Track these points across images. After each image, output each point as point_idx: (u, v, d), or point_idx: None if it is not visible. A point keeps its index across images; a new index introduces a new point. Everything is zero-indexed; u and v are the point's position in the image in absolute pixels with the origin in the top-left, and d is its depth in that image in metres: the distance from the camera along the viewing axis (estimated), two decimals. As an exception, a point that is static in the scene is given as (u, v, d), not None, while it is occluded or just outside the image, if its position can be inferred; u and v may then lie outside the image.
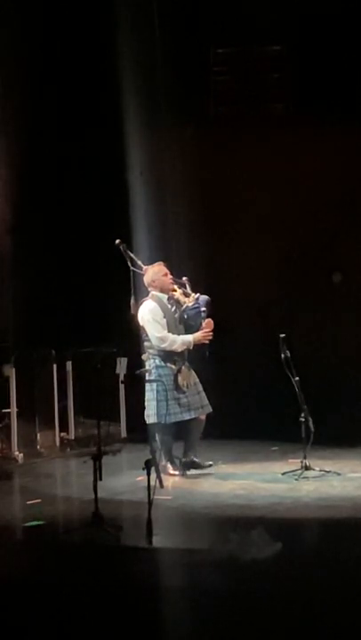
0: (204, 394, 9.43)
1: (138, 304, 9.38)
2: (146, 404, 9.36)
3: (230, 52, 12.31)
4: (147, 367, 9.38)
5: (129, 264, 9.45)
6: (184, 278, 9.61)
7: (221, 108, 12.36)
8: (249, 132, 12.01)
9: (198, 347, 9.42)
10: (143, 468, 7.26)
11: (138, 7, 11.54)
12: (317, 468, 9.21)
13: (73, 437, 11.14)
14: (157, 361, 9.35)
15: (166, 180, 11.78)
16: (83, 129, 11.73)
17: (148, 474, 7.22)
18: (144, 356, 9.44)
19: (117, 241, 9.47)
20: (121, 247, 9.49)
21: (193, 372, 9.44)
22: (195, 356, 9.47)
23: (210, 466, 9.48)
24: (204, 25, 11.89)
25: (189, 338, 9.37)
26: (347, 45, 11.60)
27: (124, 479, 9.19)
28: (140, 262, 9.53)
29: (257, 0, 11.60)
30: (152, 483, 7.26)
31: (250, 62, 12.29)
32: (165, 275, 9.47)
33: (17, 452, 10.41)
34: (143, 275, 9.49)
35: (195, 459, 9.45)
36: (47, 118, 11.66)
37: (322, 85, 11.73)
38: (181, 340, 9.34)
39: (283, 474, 9.27)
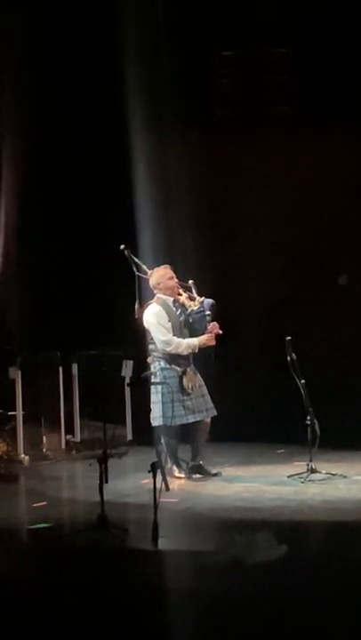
0: (208, 397, 9.42)
1: (142, 308, 9.38)
2: (151, 406, 9.37)
3: (235, 55, 12.31)
4: (152, 370, 9.38)
5: (134, 269, 9.45)
6: (190, 282, 9.61)
7: (226, 111, 12.36)
8: (254, 135, 12.00)
9: (203, 350, 9.42)
10: (149, 471, 7.26)
11: (142, 10, 11.55)
12: (323, 471, 9.21)
13: (79, 440, 11.14)
14: (162, 363, 9.35)
15: (171, 183, 11.78)
16: (88, 132, 11.75)
17: (154, 476, 7.22)
18: (149, 359, 9.44)
19: (122, 246, 9.47)
20: (126, 252, 9.49)
21: (198, 375, 9.44)
22: (200, 358, 9.48)
23: (216, 475, 9.46)
24: (209, 27, 11.89)
25: (195, 341, 9.37)
26: (352, 48, 11.59)
27: (130, 482, 9.19)
28: (144, 267, 9.54)
29: (262, 2, 11.60)
30: (158, 485, 7.25)
31: (255, 65, 12.29)
32: (171, 278, 9.47)
33: (23, 455, 10.42)
34: (148, 279, 9.49)
35: (202, 463, 9.44)
36: (52, 121, 11.68)
37: (327, 88, 11.73)
38: (186, 344, 9.34)
39: (289, 477, 9.27)
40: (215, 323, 9.43)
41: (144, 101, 11.49)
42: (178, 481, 9.26)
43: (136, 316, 9.38)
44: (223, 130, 12.23)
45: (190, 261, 10.73)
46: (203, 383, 9.45)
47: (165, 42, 11.59)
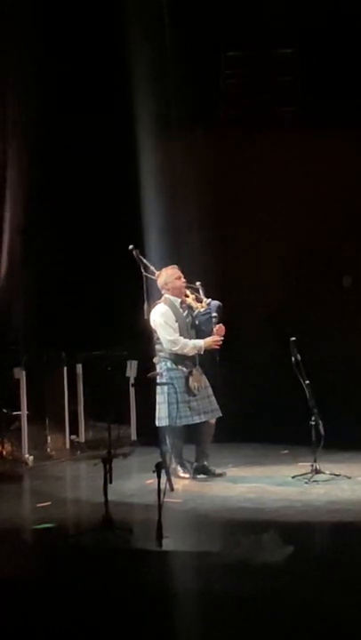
0: (214, 398, 9.43)
1: (150, 307, 9.39)
2: (156, 406, 9.37)
3: (241, 55, 12.30)
4: (158, 370, 9.38)
5: (142, 269, 9.46)
6: (197, 283, 9.62)
7: (232, 111, 12.35)
8: (259, 135, 12.00)
9: (209, 351, 9.42)
10: (153, 471, 7.26)
11: (149, 10, 11.55)
12: (328, 472, 9.21)
13: (83, 440, 11.14)
14: (168, 364, 9.36)
15: (177, 183, 11.78)
16: (94, 131, 11.74)
17: (159, 477, 7.22)
18: (155, 359, 9.45)
19: (130, 247, 9.48)
20: (134, 253, 9.50)
21: (204, 376, 9.44)
22: (205, 360, 9.48)
23: (221, 475, 9.46)
24: (215, 28, 11.89)
25: (200, 342, 9.37)
26: (356, 48, 11.57)
27: (134, 482, 9.20)
28: (152, 267, 9.55)
29: (268, 3, 11.59)
30: (162, 486, 7.25)
31: (261, 65, 12.28)
32: (179, 278, 9.48)
33: (27, 455, 10.42)
34: (156, 279, 9.50)
35: (206, 464, 9.45)
36: (58, 121, 11.68)
37: (332, 88, 11.71)
38: (193, 345, 9.34)
39: (293, 477, 9.27)
40: (221, 325, 9.42)
41: (150, 102, 11.49)
42: (182, 481, 9.25)
43: (145, 317, 9.39)
44: (228, 130, 12.22)
45: (197, 263, 10.73)
46: (208, 384, 9.45)
47: (171, 42, 11.59)
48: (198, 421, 9.33)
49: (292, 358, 9.22)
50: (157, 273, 9.52)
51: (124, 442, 10.90)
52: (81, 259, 11.74)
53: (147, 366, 9.71)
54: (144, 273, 9.48)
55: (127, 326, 10.09)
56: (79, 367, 11.17)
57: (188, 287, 9.54)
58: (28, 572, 6.86)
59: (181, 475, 9.36)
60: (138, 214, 11.29)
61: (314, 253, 11.94)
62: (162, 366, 9.38)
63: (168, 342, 9.32)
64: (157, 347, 9.41)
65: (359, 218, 11.74)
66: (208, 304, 9.47)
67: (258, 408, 11.13)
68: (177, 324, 9.36)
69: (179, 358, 9.35)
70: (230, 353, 9.85)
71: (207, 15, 11.79)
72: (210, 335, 9.39)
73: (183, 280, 9.50)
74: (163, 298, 9.45)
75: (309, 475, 9.14)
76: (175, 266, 9.60)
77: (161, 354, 9.40)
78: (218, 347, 9.40)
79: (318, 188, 11.89)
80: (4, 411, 10.64)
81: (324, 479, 9.12)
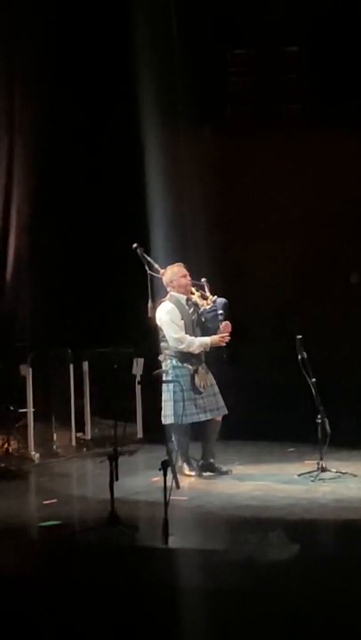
0: (220, 396, 9.43)
1: (155, 305, 9.39)
2: (162, 404, 9.37)
3: (248, 53, 12.30)
4: (164, 368, 9.38)
5: (146, 268, 9.47)
6: (203, 280, 9.62)
7: (239, 109, 12.36)
8: (266, 133, 12.01)
9: (215, 349, 9.42)
10: (159, 469, 7.26)
11: (155, 8, 11.55)
12: (334, 470, 9.20)
13: (89, 437, 11.14)
14: (174, 362, 9.36)
15: (183, 181, 11.79)
16: (100, 129, 11.76)
17: (165, 474, 7.23)
18: (161, 357, 9.45)
19: (135, 245, 9.48)
20: (138, 251, 9.50)
21: (210, 374, 9.45)
22: (212, 357, 9.48)
23: (227, 472, 9.46)
24: (222, 26, 11.89)
25: (207, 340, 9.37)
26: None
27: (141, 479, 9.20)
28: (156, 266, 9.55)
29: (274, 1, 11.59)
30: (168, 483, 7.26)
31: (267, 63, 12.28)
32: (184, 276, 9.48)
33: (33, 452, 10.43)
34: (161, 277, 9.50)
35: (213, 461, 9.45)
36: (64, 119, 11.70)
37: (339, 86, 11.72)
38: (199, 342, 9.34)
39: (299, 475, 9.26)
40: (228, 322, 9.42)
41: (157, 100, 11.50)
42: (188, 479, 9.26)
43: (149, 315, 9.39)
44: (235, 128, 12.23)
45: (203, 260, 10.73)
46: (214, 382, 9.46)
47: (178, 40, 11.60)
48: (204, 419, 9.33)
49: (299, 356, 9.21)
50: (162, 271, 9.53)
51: (131, 439, 10.90)
52: (87, 256, 11.75)
53: (153, 364, 9.71)
54: (148, 271, 9.48)
55: (134, 324, 10.09)
56: (85, 364, 11.18)
57: (193, 284, 9.54)
58: (34, 569, 6.87)
59: (187, 472, 9.37)
60: (144, 212, 11.29)
61: (320, 250, 11.95)
62: (168, 364, 9.38)
63: (174, 340, 9.32)
64: (163, 344, 9.42)
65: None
66: (214, 301, 9.47)
67: (264, 406, 11.13)
68: (183, 322, 9.37)
69: (184, 356, 9.35)
70: (237, 351, 9.85)
71: (213, 13, 11.80)
72: (216, 332, 9.39)
73: (188, 278, 9.50)
74: (168, 295, 9.45)
75: (316, 473, 9.14)
76: (181, 263, 9.60)
77: (167, 352, 9.40)
78: (224, 344, 9.40)
79: (324, 185, 11.89)
80: (11, 408, 10.64)
81: (331, 477, 9.11)
